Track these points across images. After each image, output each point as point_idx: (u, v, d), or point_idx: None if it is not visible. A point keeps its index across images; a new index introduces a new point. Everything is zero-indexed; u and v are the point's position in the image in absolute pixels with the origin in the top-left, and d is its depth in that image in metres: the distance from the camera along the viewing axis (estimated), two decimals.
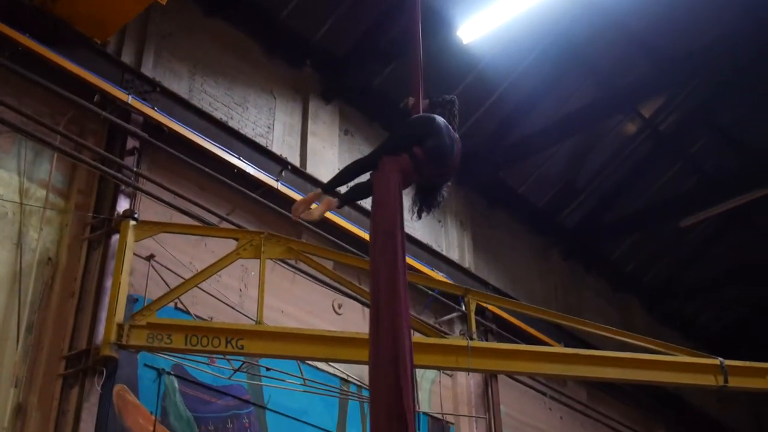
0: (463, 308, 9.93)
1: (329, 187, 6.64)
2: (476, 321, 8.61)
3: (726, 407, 17.84)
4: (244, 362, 8.38)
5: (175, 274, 8.34)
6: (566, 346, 11.35)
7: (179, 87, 9.72)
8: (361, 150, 11.86)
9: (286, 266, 9.70)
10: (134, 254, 7.93)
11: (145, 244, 8.15)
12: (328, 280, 9.60)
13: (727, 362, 8.28)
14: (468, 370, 8.49)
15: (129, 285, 7.75)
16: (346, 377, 9.69)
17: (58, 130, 8.14)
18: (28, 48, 8.05)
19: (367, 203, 7.33)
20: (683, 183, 15.54)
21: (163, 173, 8.96)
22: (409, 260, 10.99)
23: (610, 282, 16.36)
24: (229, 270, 8.53)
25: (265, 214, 9.79)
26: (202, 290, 8.41)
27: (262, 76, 10.90)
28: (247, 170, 9.62)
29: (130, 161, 8.59)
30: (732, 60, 12.79)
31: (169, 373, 8.13)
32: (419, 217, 6.81)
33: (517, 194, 14.38)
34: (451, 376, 11.41)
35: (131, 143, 8.68)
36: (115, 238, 7.96)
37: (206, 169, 9.20)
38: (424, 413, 10.67)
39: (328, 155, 11.21)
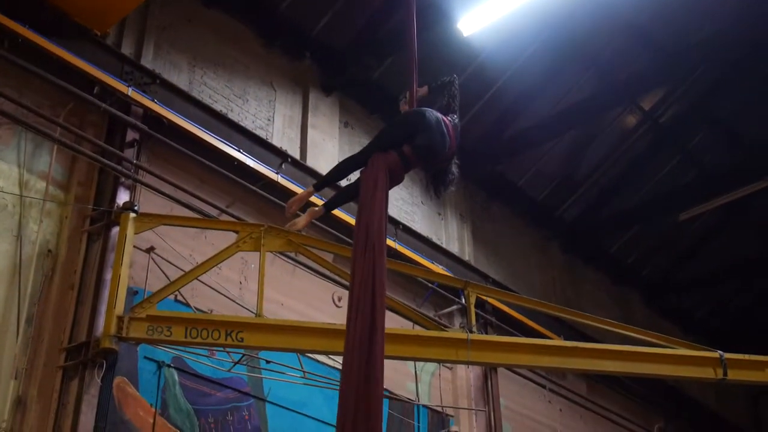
0: (463, 301, 9.95)
1: (321, 186, 6.66)
2: (476, 314, 8.60)
3: (724, 399, 17.87)
4: (244, 355, 8.38)
5: (175, 266, 8.34)
6: (566, 339, 11.41)
7: (179, 79, 9.71)
8: (361, 142, 11.84)
9: (286, 259, 9.71)
10: (134, 246, 7.91)
11: (145, 236, 8.15)
12: (328, 272, 9.59)
13: (727, 355, 8.27)
14: (468, 362, 8.48)
15: (129, 277, 7.74)
16: None
17: (58, 122, 8.13)
18: (28, 39, 8.03)
19: None
20: (682, 176, 15.52)
21: (163, 165, 8.95)
22: (409, 253, 11.09)
23: (609, 275, 16.36)
24: (229, 262, 8.53)
25: (265, 207, 9.79)
26: (202, 283, 8.41)
27: (262, 68, 10.89)
28: (247, 163, 9.61)
29: (129, 153, 8.59)
30: (732, 53, 12.79)
31: (169, 366, 8.14)
32: (438, 195, 6.80)
33: (516, 187, 14.38)
34: (450, 368, 11.43)
35: (131, 135, 8.68)
36: (115, 230, 7.96)
37: (206, 162, 9.20)
38: (424, 406, 10.69)
39: (328, 147, 11.20)
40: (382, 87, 11.95)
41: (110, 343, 7.26)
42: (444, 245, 12.47)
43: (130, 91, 8.69)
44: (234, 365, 8.37)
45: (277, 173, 9.89)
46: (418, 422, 10.49)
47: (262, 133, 10.34)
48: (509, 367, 11.87)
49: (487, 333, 11.74)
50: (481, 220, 13.73)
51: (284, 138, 10.75)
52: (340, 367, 9.50)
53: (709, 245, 17.03)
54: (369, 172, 5.99)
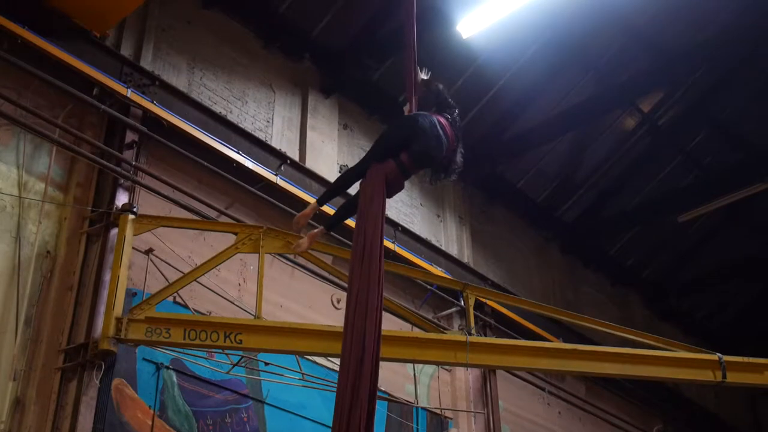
0: (462, 303, 9.94)
1: (325, 200, 6.65)
2: (475, 316, 8.62)
3: (723, 401, 17.87)
4: (242, 356, 8.37)
5: (174, 268, 8.34)
6: (565, 341, 11.43)
7: (178, 80, 9.71)
8: (360, 144, 11.86)
9: (285, 261, 9.71)
10: (133, 248, 7.92)
11: (144, 238, 8.15)
12: (327, 274, 9.59)
13: (726, 358, 8.28)
14: (466, 365, 8.49)
15: (128, 279, 7.75)
16: None
17: (57, 123, 8.13)
18: (27, 41, 8.03)
19: None
20: (682, 178, 15.53)
21: (162, 167, 8.95)
22: (408, 255, 11.08)
23: (608, 277, 16.36)
24: (228, 264, 8.54)
25: (264, 209, 9.78)
26: (201, 284, 8.40)
27: (261, 70, 10.89)
28: (246, 164, 9.61)
29: (129, 155, 8.58)
30: (731, 55, 12.79)
31: (167, 367, 8.13)
32: (435, 182, 6.77)
33: (516, 189, 14.38)
34: (449, 371, 11.42)
35: (130, 137, 8.68)
36: (114, 231, 7.95)
37: (205, 163, 9.20)
38: (423, 408, 10.68)
39: (327, 149, 11.20)
40: (382, 89, 11.96)
41: (109, 344, 7.27)
42: (443, 247, 12.46)
43: (129, 93, 8.69)
44: (233, 367, 8.36)
45: (276, 175, 9.88)
46: (417, 424, 10.48)
47: (261, 135, 10.34)
48: (508, 370, 11.86)
49: (486, 335, 11.73)
50: (481, 222, 13.73)
51: (283, 140, 10.74)
52: (338, 369, 9.56)
53: (709, 247, 17.02)
54: (367, 182, 6.01)
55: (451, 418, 11.13)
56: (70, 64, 8.31)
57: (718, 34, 12.39)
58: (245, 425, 8.62)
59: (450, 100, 6.57)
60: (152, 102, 8.89)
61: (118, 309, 7.40)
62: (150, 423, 7.79)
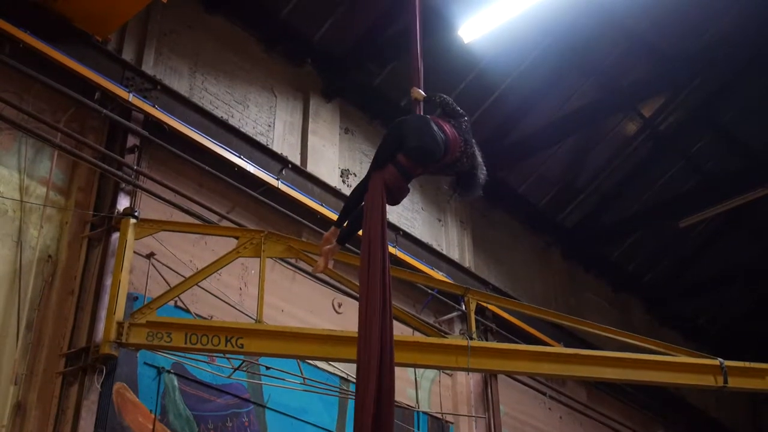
0: (463, 308, 9.93)
1: (341, 220, 6.59)
2: (476, 320, 8.60)
3: (724, 406, 17.84)
4: (243, 361, 8.37)
5: (175, 272, 8.34)
6: (566, 346, 11.38)
7: (180, 85, 9.72)
8: (361, 149, 11.87)
9: (287, 265, 9.70)
10: (134, 252, 7.92)
11: (145, 242, 8.15)
12: (328, 278, 9.59)
13: (727, 363, 8.27)
14: (468, 369, 8.47)
15: (129, 283, 7.75)
16: (345, 376, 9.68)
17: (58, 128, 8.13)
18: (29, 45, 8.05)
19: None
20: (683, 183, 15.52)
21: (163, 171, 8.96)
22: (409, 259, 11.08)
23: (610, 282, 16.35)
24: (229, 268, 8.53)
25: (265, 213, 9.79)
26: (202, 289, 8.40)
27: (263, 74, 10.90)
28: (248, 168, 9.61)
29: (130, 159, 8.59)
30: (732, 60, 12.79)
31: (168, 372, 8.13)
32: (462, 198, 6.75)
33: (517, 194, 14.37)
34: (450, 375, 11.41)
35: (132, 141, 8.68)
36: (115, 236, 7.96)
37: (206, 168, 9.20)
38: (424, 412, 10.67)
39: (328, 154, 11.20)
40: (383, 93, 11.97)
41: (110, 348, 7.26)
42: (444, 251, 12.46)
43: (130, 97, 8.70)
44: (234, 371, 8.36)
45: (277, 179, 9.89)
46: (418, 429, 10.48)
47: (262, 139, 10.34)
48: (509, 374, 11.86)
49: (487, 340, 11.71)
50: (482, 227, 13.72)
51: (285, 144, 10.75)
52: (339, 373, 9.57)
53: (710, 252, 17.01)
54: (369, 192, 6.01)
55: (452, 423, 11.11)
56: (71, 68, 8.32)
57: (719, 39, 12.41)
58: (246, 429, 8.62)
59: (457, 108, 6.52)
60: (154, 106, 8.89)
61: (120, 313, 7.40)
62: (151, 427, 7.79)
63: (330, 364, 9.40)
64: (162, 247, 8.39)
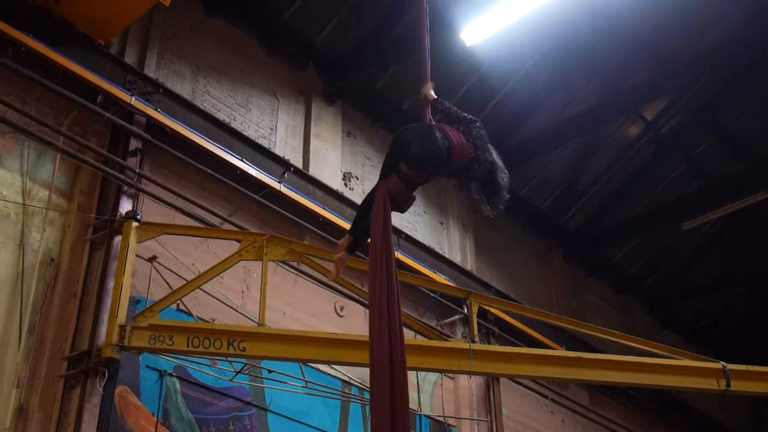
0: (465, 311, 9.95)
1: (353, 231, 6.59)
2: (478, 324, 8.60)
3: (727, 410, 17.82)
4: (245, 364, 8.37)
5: (178, 275, 8.34)
6: (568, 349, 11.39)
7: (182, 88, 9.72)
8: (363, 152, 11.87)
9: (289, 268, 9.71)
10: (136, 255, 7.93)
11: (148, 245, 8.15)
12: (330, 282, 9.58)
13: (730, 366, 8.26)
14: (470, 373, 8.48)
15: (131, 286, 7.75)
16: (347, 379, 9.69)
17: (61, 131, 8.14)
18: (31, 48, 8.05)
19: None
20: (685, 186, 15.53)
21: (165, 174, 8.96)
22: (411, 262, 11.07)
23: (612, 285, 16.35)
24: (232, 272, 8.53)
25: (267, 216, 9.79)
26: (205, 292, 8.40)
27: (265, 78, 10.91)
28: (250, 172, 9.62)
29: (132, 162, 8.59)
30: (735, 63, 12.79)
31: (170, 375, 8.12)
32: (493, 212, 6.68)
33: (519, 197, 14.36)
34: (452, 378, 11.40)
35: (134, 144, 8.68)
36: (118, 239, 7.96)
37: (209, 171, 9.20)
38: (426, 416, 10.66)
39: (330, 157, 11.20)
40: (385, 96, 11.96)
41: (112, 352, 7.27)
42: (446, 255, 12.46)
43: (133, 100, 8.71)
44: (236, 375, 8.36)
45: (279, 182, 9.90)
46: None
47: (264, 143, 10.34)
48: (511, 377, 11.85)
49: (489, 343, 11.72)
50: (484, 230, 13.71)
51: (287, 147, 10.75)
52: (342, 376, 9.57)
53: (712, 254, 17.01)
54: (374, 202, 6.02)
55: (454, 426, 11.11)
56: (74, 71, 8.32)
57: (722, 42, 12.40)
58: None
59: (463, 114, 6.44)
60: (156, 110, 8.90)
61: (122, 316, 7.40)
62: (153, 430, 7.78)
63: (332, 368, 9.39)
64: (164, 250, 8.39)
